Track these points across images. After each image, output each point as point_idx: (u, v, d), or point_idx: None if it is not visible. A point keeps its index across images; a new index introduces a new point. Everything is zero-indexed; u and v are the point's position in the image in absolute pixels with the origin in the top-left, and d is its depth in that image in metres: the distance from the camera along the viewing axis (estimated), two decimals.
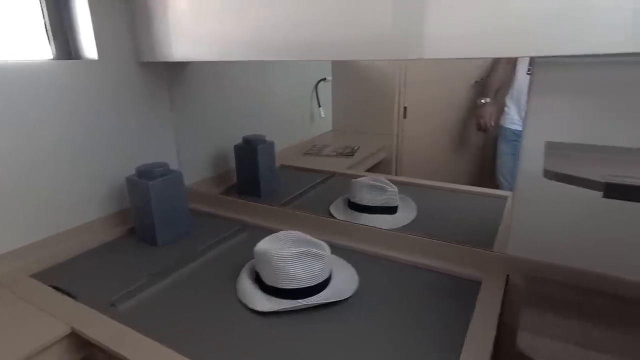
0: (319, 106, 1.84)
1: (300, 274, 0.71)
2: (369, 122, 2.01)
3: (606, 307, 0.62)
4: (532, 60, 0.66)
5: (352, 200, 1.11)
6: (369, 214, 1.07)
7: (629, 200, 0.40)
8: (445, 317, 0.69)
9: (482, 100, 1.37)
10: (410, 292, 0.77)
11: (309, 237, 0.79)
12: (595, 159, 0.52)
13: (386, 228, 1.01)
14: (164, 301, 0.75)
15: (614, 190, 0.40)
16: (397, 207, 1.09)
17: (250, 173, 1.23)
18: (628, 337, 0.55)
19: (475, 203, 1.18)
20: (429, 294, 0.76)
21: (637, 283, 0.65)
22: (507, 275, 0.77)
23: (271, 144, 1.25)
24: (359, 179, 1.11)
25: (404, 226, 1.03)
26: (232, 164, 1.25)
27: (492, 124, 1.38)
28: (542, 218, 0.73)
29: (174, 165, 1.18)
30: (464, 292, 0.75)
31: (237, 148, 1.23)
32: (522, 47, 0.55)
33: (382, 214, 1.07)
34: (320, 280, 0.73)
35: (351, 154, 1.72)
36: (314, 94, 1.83)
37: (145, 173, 0.90)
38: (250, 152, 1.21)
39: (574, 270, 0.70)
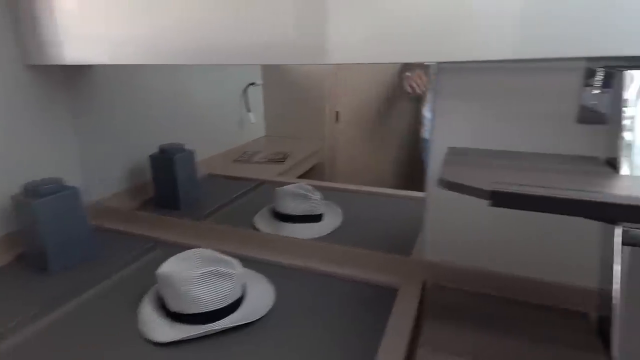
0: (249, 111, 1.78)
1: (205, 297, 0.65)
2: (302, 127, 1.98)
3: (519, 315, 0.61)
4: (437, 66, 0.66)
5: (276, 209, 1.06)
6: (292, 224, 1.03)
7: (514, 208, 0.40)
8: (361, 329, 0.67)
9: (408, 73, 1.42)
10: (328, 304, 0.74)
11: (219, 254, 0.73)
12: (493, 165, 0.52)
13: (310, 237, 0.98)
14: (49, 340, 0.66)
15: (499, 199, 0.39)
16: (321, 214, 1.06)
17: (168, 185, 1.14)
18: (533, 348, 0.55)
19: (402, 207, 1.19)
20: (347, 304, 0.73)
21: (557, 286, 0.66)
22: (424, 281, 0.77)
23: (191, 153, 1.17)
24: (283, 187, 1.07)
25: (328, 234, 1.01)
26: (150, 175, 1.16)
27: (423, 88, 1.42)
28: (454, 221, 0.73)
29: (77, 179, 1.06)
30: (382, 301, 0.74)
31: (153, 158, 1.15)
32: (421, 53, 0.54)
33: (306, 222, 1.04)
34: (231, 301, 0.68)
35: (282, 160, 1.68)
36: (243, 99, 1.76)
37: (32, 191, 0.80)
38: (166, 162, 1.12)
39: (490, 273, 0.71)
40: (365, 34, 0.56)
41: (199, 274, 0.65)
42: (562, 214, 0.38)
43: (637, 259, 0.46)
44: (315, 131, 1.93)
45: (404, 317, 0.67)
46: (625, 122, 0.47)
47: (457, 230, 0.73)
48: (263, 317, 0.70)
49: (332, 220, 1.07)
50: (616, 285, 0.45)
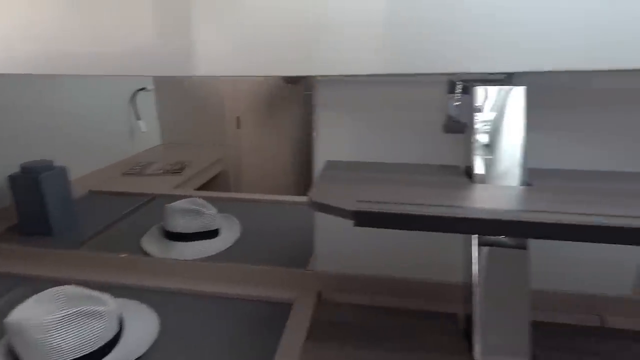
0: (139, 119, 1.64)
1: (67, 344, 0.56)
2: (202, 134, 1.89)
3: (400, 324, 0.62)
4: (314, 78, 0.65)
5: (166, 228, 0.98)
6: (185, 243, 0.96)
7: (378, 227, 0.40)
8: (255, 350, 0.64)
9: None
10: (220, 328, 0.69)
11: (87, 290, 0.64)
12: (365, 179, 0.52)
13: (205, 255, 0.92)
14: None
15: (362, 219, 0.39)
16: (217, 230, 1.00)
17: (35, 208, 0.99)
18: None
19: (305, 214, 1.18)
20: (242, 326, 0.70)
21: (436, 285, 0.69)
22: (319, 293, 0.76)
23: (62, 170, 1.03)
24: (172, 203, 0.99)
25: (225, 250, 0.96)
26: (11, 198, 0.99)
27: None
28: (342, 229, 0.74)
29: None
30: (278, 318, 0.71)
31: (13, 179, 0.98)
32: (288, 66, 0.53)
33: (201, 239, 0.98)
34: (102, 344, 0.60)
35: (180, 170, 1.58)
36: (132, 106, 1.61)
37: None
38: (30, 182, 0.97)
39: (380, 279, 0.73)
40: (231, 46, 0.53)
41: (57, 318, 0.56)
42: (422, 230, 0.39)
43: (495, 258, 0.50)
44: (217, 138, 1.85)
45: (295, 334, 0.65)
46: (476, 128, 0.51)
47: (346, 238, 0.74)
48: (144, 354, 0.63)
49: (229, 235, 1.02)
50: (475, 285, 0.48)
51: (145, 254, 0.93)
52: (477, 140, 0.51)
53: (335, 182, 0.49)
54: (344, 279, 0.75)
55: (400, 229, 0.39)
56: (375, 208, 0.39)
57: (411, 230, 0.39)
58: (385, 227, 0.39)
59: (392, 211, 0.39)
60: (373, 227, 0.39)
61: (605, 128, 0.59)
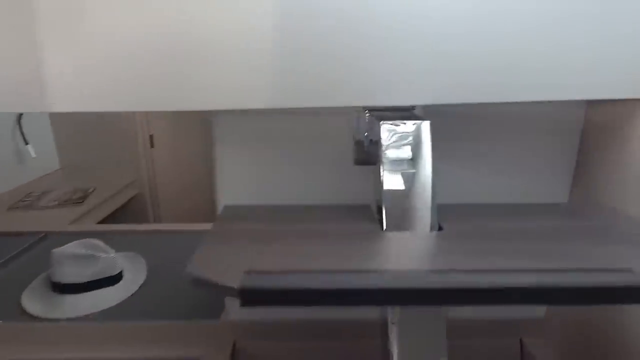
0: (27, 144, 1.42)
1: None
2: (110, 155, 1.70)
3: None
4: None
5: (53, 279, 0.83)
6: (77, 294, 0.82)
7: (271, 306, 0.33)
8: None
9: None
10: None
11: None
12: (262, 233, 0.45)
13: (103, 307, 0.80)
14: None
15: (249, 298, 0.32)
16: (119, 274, 0.88)
17: None
18: None
19: None
20: None
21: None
22: (234, 345, 0.68)
23: None
24: (60, 247, 0.84)
25: (127, 298, 0.84)
26: None
27: None
28: None
29: None
30: None
31: None
32: (162, 100, 0.45)
33: (98, 288, 0.84)
34: None
35: (82, 199, 1.39)
36: (17, 129, 1.40)
37: None
38: None
39: (302, 321, 0.66)
40: (94, 77, 0.44)
41: None
42: (322, 305, 0.33)
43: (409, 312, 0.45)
44: (128, 159, 1.66)
45: None
46: (382, 163, 0.47)
47: None
48: None
49: (133, 279, 0.89)
50: (391, 341, 0.44)
51: (26, 314, 0.78)
52: (382, 179, 0.47)
53: (225, 240, 0.42)
54: (259, 325, 0.67)
55: (295, 306, 0.33)
56: (265, 284, 0.32)
57: (309, 306, 0.33)
58: (277, 306, 0.33)
59: (286, 287, 0.32)
60: (263, 306, 0.33)
61: (508, 158, 0.59)
